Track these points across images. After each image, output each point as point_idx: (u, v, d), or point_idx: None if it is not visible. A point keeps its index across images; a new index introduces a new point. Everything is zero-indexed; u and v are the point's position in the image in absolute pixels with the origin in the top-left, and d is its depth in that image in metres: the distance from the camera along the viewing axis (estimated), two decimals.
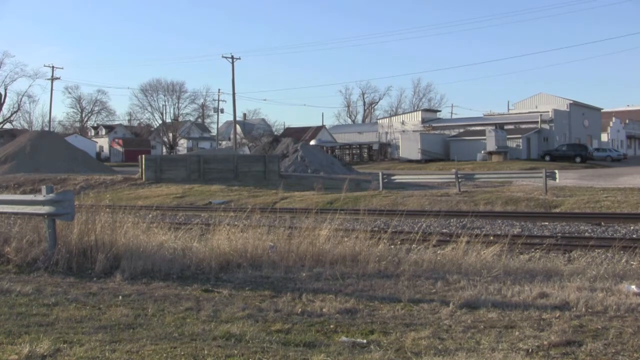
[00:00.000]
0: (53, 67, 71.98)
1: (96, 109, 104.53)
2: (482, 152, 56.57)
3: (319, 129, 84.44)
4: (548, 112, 60.96)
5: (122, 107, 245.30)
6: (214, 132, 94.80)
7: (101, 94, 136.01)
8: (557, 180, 24.36)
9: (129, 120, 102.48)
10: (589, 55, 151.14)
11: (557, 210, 19.33)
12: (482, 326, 5.77)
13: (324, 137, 79.39)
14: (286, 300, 6.90)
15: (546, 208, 19.89)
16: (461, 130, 65.84)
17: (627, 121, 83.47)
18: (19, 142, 46.23)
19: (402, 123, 70.58)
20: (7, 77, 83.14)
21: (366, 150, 70.79)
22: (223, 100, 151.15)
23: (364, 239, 9.44)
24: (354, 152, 71.40)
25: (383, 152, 70.03)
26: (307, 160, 42.97)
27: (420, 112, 74.59)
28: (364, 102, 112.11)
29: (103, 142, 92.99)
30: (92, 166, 45.21)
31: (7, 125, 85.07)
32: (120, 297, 7.12)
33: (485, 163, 52.71)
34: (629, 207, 18.68)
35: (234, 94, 70.73)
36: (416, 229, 12.30)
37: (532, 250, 10.49)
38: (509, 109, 75.11)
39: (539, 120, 60.82)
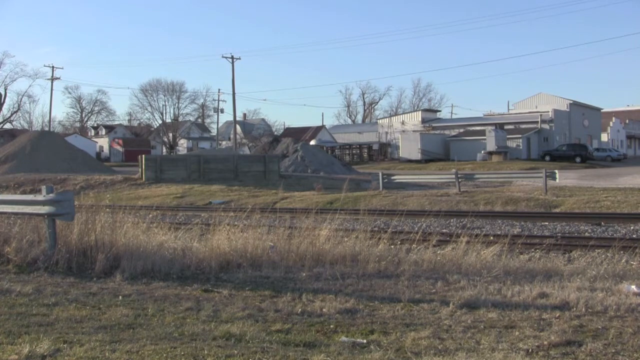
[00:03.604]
0: (53, 67, 72.12)
1: (96, 109, 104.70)
2: (482, 152, 56.56)
3: (319, 129, 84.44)
4: (548, 112, 60.94)
5: (122, 107, 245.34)
6: (214, 132, 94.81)
7: (101, 94, 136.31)
8: (557, 180, 24.37)
9: (129, 120, 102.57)
10: (589, 55, 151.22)
11: (557, 210, 19.33)
12: (482, 326, 5.77)
13: (324, 137, 79.39)
14: (286, 300, 6.90)
15: (546, 208, 19.89)
16: (461, 130, 65.83)
17: (627, 121, 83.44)
18: (19, 142, 46.20)
19: (402, 123, 70.55)
20: (7, 77, 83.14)
21: (366, 150, 70.78)
22: (223, 100, 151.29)
23: (364, 239, 9.44)
24: (354, 152, 71.40)
25: (383, 152, 70.02)
26: (307, 160, 42.97)
27: (420, 112, 74.54)
28: (364, 102, 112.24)
29: (103, 142, 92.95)
30: (92, 166, 45.17)
31: (7, 125, 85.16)
32: (120, 297, 7.12)
33: (485, 163, 52.69)
34: (629, 207, 18.68)
35: (234, 94, 70.89)
36: (416, 229, 12.29)
37: (532, 250, 10.49)
38: (509, 109, 75.14)
39: (539, 120, 60.81)
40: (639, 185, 25.45)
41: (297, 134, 76.47)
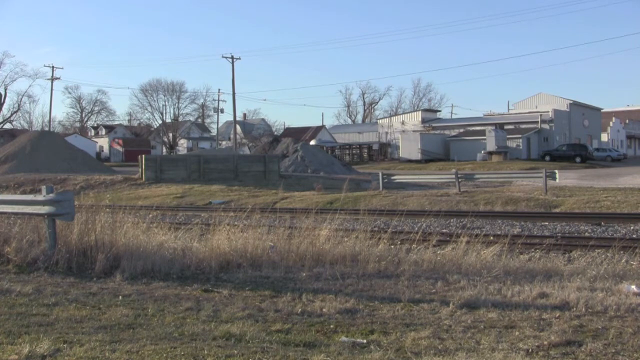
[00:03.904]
0: (53, 67, 72.08)
1: (96, 109, 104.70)
2: (482, 152, 56.56)
3: (319, 129, 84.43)
4: (548, 112, 60.95)
5: (122, 107, 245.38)
6: (214, 132, 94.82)
7: (101, 94, 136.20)
8: (557, 180, 24.37)
9: (129, 120, 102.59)
10: (589, 55, 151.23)
11: (557, 210, 19.33)
12: (482, 326, 5.77)
13: (324, 137, 79.39)
14: (286, 300, 6.90)
15: (546, 208, 19.89)
16: (461, 130, 65.83)
17: (627, 121, 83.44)
18: (19, 142, 46.20)
19: (402, 123, 70.55)
20: (7, 77, 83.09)
21: (366, 150, 70.80)
22: (223, 100, 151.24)
23: (364, 239, 9.44)
24: (354, 152, 71.40)
25: (383, 152, 70.03)
26: (307, 160, 42.96)
27: (420, 112, 74.54)
28: (364, 102, 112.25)
29: (103, 142, 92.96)
30: (92, 166, 45.16)
31: (7, 125, 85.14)
32: (120, 297, 7.12)
33: (485, 163, 52.69)
34: (629, 207, 18.68)
35: (234, 94, 70.83)
36: (416, 229, 12.29)
37: (532, 250, 10.49)
38: (509, 109, 75.15)
39: (539, 120, 60.81)
40: (639, 185, 25.45)
41: (297, 134, 76.47)
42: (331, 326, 5.86)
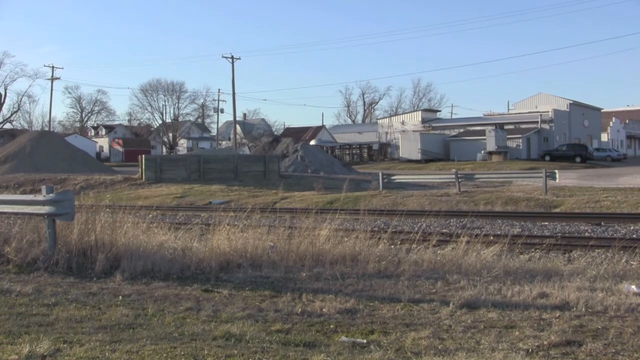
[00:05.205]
0: (53, 67, 71.90)
1: (96, 109, 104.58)
2: (482, 152, 56.57)
3: (319, 129, 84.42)
4: (548, 112, 60.96)
5: (122, 107, 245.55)
6: (214, 132, 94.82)
7: (101, 94, 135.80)
8: (557, 180, 24.37)
9: (129, 120, 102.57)
10: (589, 55, 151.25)
11: (557, 210, 19.33)
12: (482, 326, 5.77)
13: (324, 137, 79.39)
14: (286, 300, 6.91)
15: (546, 208, 19.89)
16: (461, 130, 65.84)
17: (627, 121, 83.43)
18: (19, 142, 46.21)
19: (402, 123, 70.58)
20: (7, 77, 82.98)
21: (366, 150, 70.84)
22: (223, 100, 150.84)
23: (364, 239, 9.44)
24: (354, 152, 71.43)
25: (383, 152, 70.05)
26: (307, 160, 42.96)
27: (420, 112, 74.59)
28: (364, 102, 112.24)
29: (103, 142, 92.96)
30: (92, 166, 45.17)
31: (7, 125, 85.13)
32: (120, 297, 7.12)
33: (485, 163, 52.70)
34: (629, 207, 18.68)
35: (234, 94, 70.70)
36: (416, 229, 12.28)
37: (532, 250, 10.49)
38: (509, 109, 75.16)
39: (539, 120, 60.83)
40: (639, 185, 25.45)
41: (297, 134, 76.46)
42: (331, 326, 5.86)
